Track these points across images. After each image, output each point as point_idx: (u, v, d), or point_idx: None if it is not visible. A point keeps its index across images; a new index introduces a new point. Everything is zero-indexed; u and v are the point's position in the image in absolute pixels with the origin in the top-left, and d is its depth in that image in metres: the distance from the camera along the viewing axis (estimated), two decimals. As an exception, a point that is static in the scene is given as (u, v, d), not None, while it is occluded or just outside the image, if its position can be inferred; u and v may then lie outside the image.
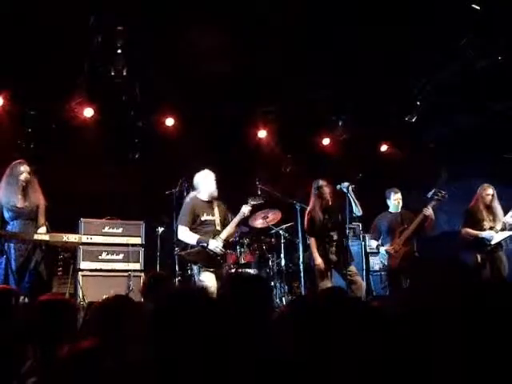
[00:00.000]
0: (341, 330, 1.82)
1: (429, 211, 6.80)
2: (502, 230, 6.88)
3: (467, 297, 1.72)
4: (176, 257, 7.21)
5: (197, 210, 6.04)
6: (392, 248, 6.96)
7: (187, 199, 6.33)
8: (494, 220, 6.95)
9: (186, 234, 5.98)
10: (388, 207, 7.29)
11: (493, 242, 6.85)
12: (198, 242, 5.88)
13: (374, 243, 7.37)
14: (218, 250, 5.86)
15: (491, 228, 6.91)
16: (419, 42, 6.83)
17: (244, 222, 6.91)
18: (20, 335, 2.54)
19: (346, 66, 7.43)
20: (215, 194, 6.12)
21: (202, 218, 6.01)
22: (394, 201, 7.16)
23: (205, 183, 6.13)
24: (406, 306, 2.04)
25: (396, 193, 7.19)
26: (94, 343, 1.53)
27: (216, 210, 6.10)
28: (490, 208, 7.02)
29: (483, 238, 6.89)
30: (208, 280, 5.70)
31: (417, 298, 2.17)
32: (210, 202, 6.12)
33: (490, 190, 7.05)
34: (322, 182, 6.80)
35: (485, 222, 6.95)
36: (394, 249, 6.94)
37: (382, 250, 7.09)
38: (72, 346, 1.51)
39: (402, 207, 7.22)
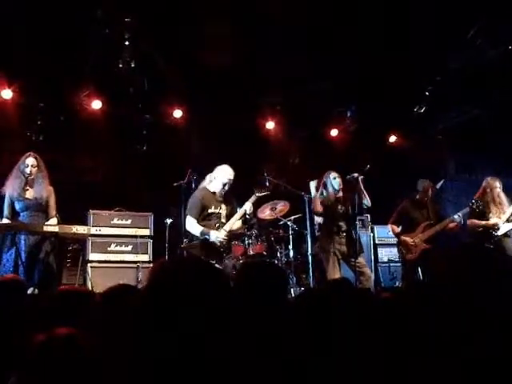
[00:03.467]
0: (347, 323, 1.82)
1: (459, 219, 6.77)
2: (508, 221, 6.86)
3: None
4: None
5: (205, 201, 6.06)
6: (412, 240, 6.89)
7: (197, 190, 6.35)
8: (500, 212, 6.93)
9: (192, 225, 6.00)
10: (415, 195, 7.13)
11: (499, 233, 6.83)
12: (202, 233, 5.92)
13: (395, 229, 7.19)
14: (218, 241, 5.89)
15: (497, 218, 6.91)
16: (429, 31, 6.77)
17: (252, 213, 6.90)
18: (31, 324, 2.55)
19: (355, 56, 7.39)
20: (220, 195, 6.12)
21: (210, 211, 6.05)
22: (424, 192, 7.02)
23: (217, 180, 6.14)
24: (419, 298, 2.03)
25: (425, 183, 7.06)
26: (70, 331, 1.53)
27: (223, 204, 6.13)
28: (496, 200, 6.99)
29: (490, 228, 6.85)
30: None
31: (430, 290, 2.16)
32: (217, 197, 6.15)
33: (498, 183, 7.00)
34: (334, 174, 6.81)
35: (491, 215, 6.93)
36: (415, 242, 6.87)
37: (402, 238, 6.98)
38: (48, 333, 1.51)
39: (431, 199, 7.08)
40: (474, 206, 6.78)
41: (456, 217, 6.80)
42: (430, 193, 7.03)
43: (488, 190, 6.98)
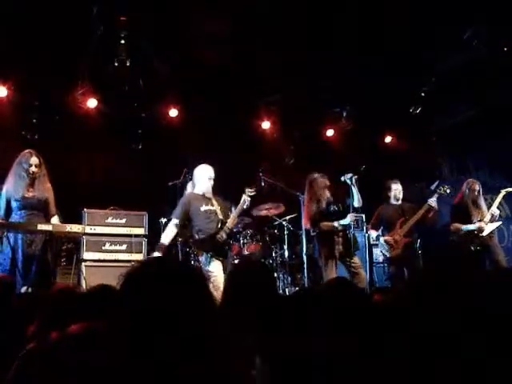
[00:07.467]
0: (344, 323, 1.82)
1: (434, 202, 6.84)
2: (491, 221, 7.00)
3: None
4: (179, 247, 7.23)
5: (192, 202, 6.09)
6: (392, 238, 6.98)
7: (184, 196, 6.42)
8: (482, 214, 7.04)
9: (168, 227, 6.13)
10: (388, 198, 7.25)
11: (484, 234, 6.96)
12: (158, 246, 6.05)
13: (374, 233, 7.43)
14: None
15: (480, 221, 6.99)
16: (426, 32, 6.79)
17: (247, 212, 6.91)
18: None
19: (350, 56, 7.40)
20: (209, 192, 6.14)
21: (202, 209, 6.06)
22: (395, 191, 7.16)
23: (201, 179, 6.17)
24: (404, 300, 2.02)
25: (396, 183, 7.20)
26: (82, 328, 1.52)
27: (214, 202, 6.15)
28: (476, 203, 7.11)
29: (473, 231, 6.97)
30: (216, 270, 5.77)
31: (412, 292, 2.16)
32: (207, 196, 6.18)
33: (477, 186, 7.16)
34: (315, 176, 6.83)
35: (473, 217, 7.03)
36: (394, 239, 6.96)
37: (382, 240, 7.10)
38: (61, 332, 1.50)
39: (402, 199, 7.21)
40: (442, 191, 6.93)
41: (431, 201, 6.87)
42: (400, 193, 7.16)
43: (468, 193, 7.09)
